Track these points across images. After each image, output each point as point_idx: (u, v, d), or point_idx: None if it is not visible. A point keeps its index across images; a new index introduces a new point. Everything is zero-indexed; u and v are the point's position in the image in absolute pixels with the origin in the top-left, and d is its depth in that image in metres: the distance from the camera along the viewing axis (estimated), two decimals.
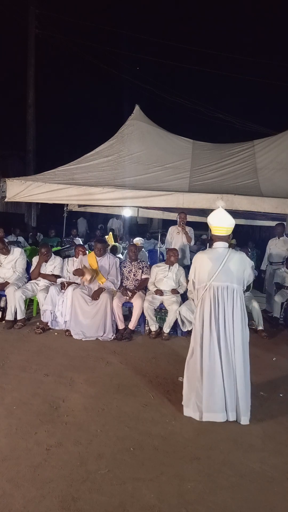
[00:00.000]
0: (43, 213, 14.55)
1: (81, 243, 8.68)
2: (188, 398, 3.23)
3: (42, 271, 5.57)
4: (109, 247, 6.83)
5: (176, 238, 6.82)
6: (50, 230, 10.22)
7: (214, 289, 3.14)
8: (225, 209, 3.31)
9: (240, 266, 3.18)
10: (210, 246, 3.54)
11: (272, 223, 8.96)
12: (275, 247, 6.87)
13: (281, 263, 6.62)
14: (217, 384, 3.09)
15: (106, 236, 8.59)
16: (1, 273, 5.56)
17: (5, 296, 5.42)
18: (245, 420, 3.11)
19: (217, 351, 3.10)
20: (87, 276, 5.22)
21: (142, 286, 5.56)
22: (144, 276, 5.60)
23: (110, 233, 9.03)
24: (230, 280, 3.14)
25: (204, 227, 9.42)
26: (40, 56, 12.72)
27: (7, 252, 5.57)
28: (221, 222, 3.24)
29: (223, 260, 3.14)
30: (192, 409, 3.20)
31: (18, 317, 5.31)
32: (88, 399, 3.43)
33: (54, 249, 7.26)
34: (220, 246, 3.24)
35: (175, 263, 5.58)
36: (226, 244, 3.26)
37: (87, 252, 5.95)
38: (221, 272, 3.13)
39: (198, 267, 3.26)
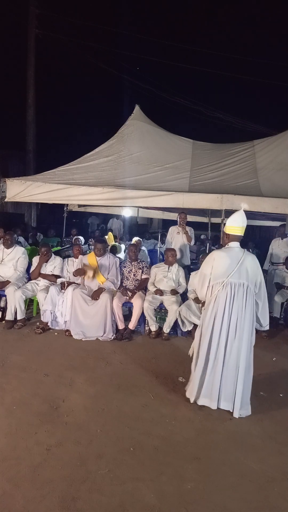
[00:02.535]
0: (43, 213, 14.51)
1: (81, 242, 8.66)
2: (192, 384, 3.38)
3: (42, 271, 5.57)
4: (109, 247, 6.83)
5: (176, 238, 6.82)
6: (50, 230, 10.22)
7: (232, 285, 3.24)
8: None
9: (254, 266, 3.29)
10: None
11: (272, 223, 8.98)
12: (278, 247, 6.90)
13: (282, 264, 6.63)
14: (217, 374, 3.23)
15: (106, 236, 8.58)
16: (2, 272, 5.56)
17: (5, 296, 5.42)
18: (240, 414, 3.21)
19: (223, 342, 3.22)
20: (89, 273, 5.22)
21: (142, 286, 5.56)
22: (144, 276, 5.60)
23: (110, 233, 9.02)
24: (246, 278, 3.24)
25: (204, 227, 9.48)
26: (40, 56, 12.71)
27: (11, 244, 5.57)
28: (242, 223, 3.36)
29: (240, 259, 3.24)
30: (189, 392, 3.38)
31: (18, 317, 5.31)
32: (88, 399, 3.43)
33: (54, 249, 7.25)
34: (235, 245, 3.34)
35: (174, 263, 5.59)
36: (239, 244, 3.36)
37: (87, 252, 5.95)
38: (239, 270, 3.23)
39: (216, 263, 3.31)
